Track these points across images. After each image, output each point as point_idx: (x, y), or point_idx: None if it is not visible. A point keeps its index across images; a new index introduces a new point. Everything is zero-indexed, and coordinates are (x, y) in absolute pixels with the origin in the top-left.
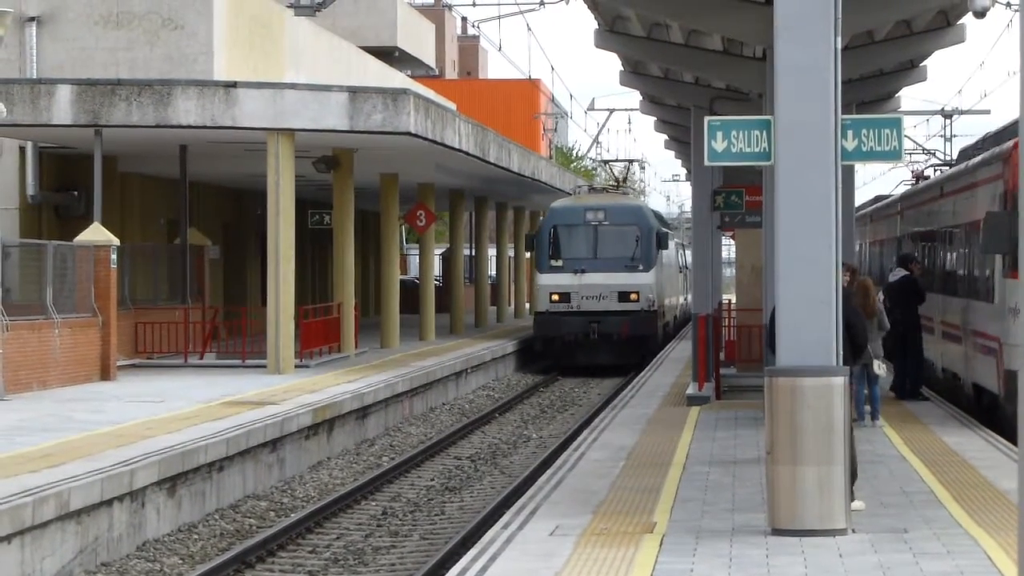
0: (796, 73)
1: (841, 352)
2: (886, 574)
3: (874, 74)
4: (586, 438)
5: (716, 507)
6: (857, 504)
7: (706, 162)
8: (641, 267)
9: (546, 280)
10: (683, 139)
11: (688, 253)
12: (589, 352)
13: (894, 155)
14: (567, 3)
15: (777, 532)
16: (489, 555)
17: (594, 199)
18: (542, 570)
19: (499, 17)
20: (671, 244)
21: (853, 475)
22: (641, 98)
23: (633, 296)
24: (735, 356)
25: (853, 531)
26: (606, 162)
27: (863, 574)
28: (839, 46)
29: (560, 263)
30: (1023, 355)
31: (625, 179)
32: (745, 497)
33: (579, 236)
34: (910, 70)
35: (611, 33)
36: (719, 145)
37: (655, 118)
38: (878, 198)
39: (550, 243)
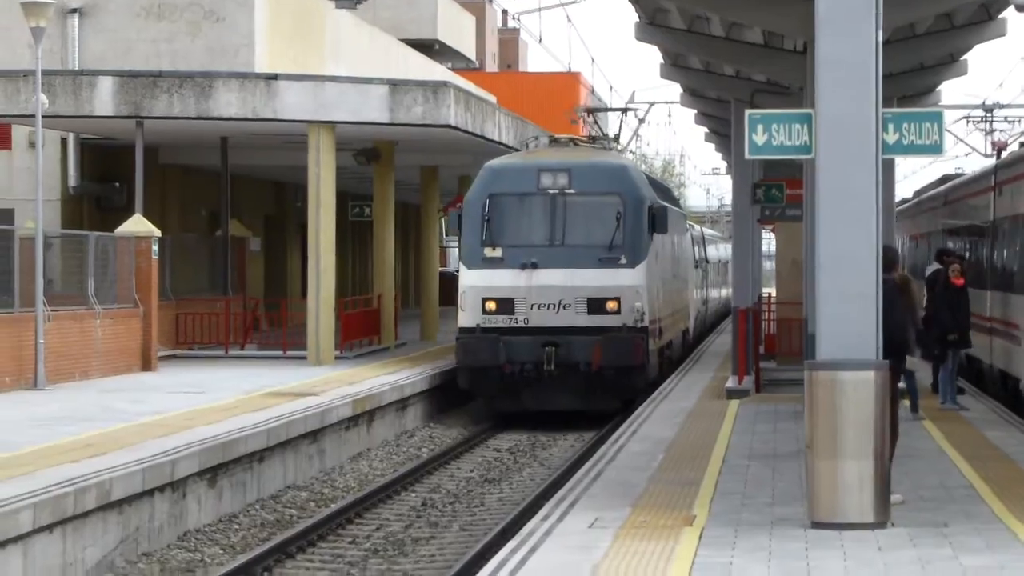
0: (837, 67)
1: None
2: (925, 568)
3: (915, 68)
4: (625, 431)
5: (756, 500)
6: (896, 498)
7: (747, 155)
8: (624, 260)
9: (476, 279)
10: (723, 132)
11: (706, 243)
12: (541, 393)
13: (935, 149)
14: None
15: (816, 525)
16: (528, 547)
17: (553, 155)
18: (582, 562)
19: (539, 9)
20: (676, 225)
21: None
22: (681, 91)
23: (610, 305)
24: (775, 349)
25: (892, 525)
26: (590, 111)
27: (902, 568)
28: (880, 40)
29: (499, 253)
30: None
31: (617, 138)
32: (784, 490)
33: (528, 211)
34: (951, 64)
35: (652, 26)
36: (760, 138)
37: (695, 111)
38: (945, 178)
39: (483, 222)
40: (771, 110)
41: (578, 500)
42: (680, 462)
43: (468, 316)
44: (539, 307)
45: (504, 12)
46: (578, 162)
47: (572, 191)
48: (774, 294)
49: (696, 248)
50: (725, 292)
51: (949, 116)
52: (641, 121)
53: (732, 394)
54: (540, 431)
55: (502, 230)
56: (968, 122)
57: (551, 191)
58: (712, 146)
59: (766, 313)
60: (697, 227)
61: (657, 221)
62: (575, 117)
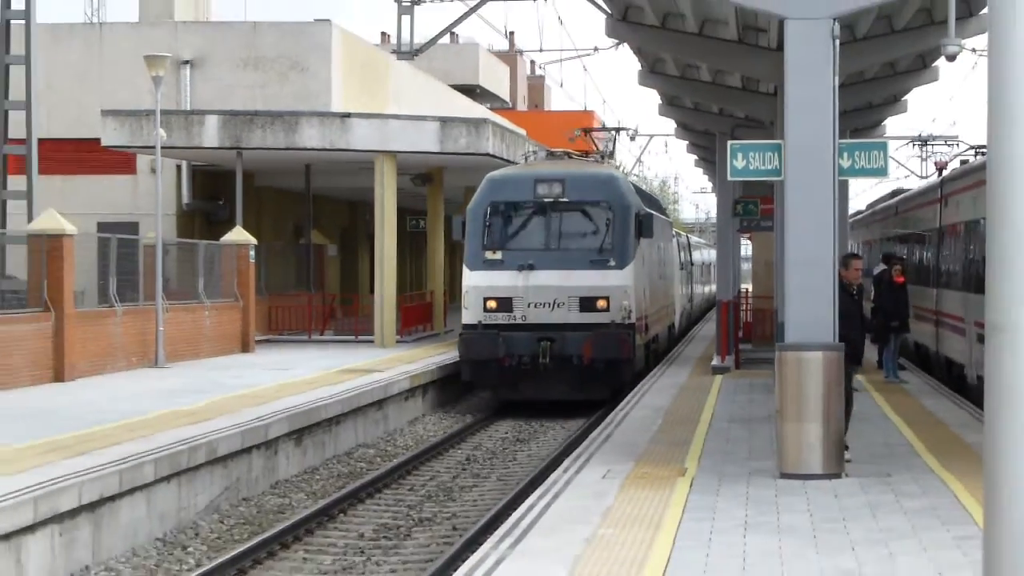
0: (801, 106)
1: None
2: (873, 510)
3: (864, 107)
4: (630, 400)
5: (735, 456)
6: (847, 455)
7: (728, 177)
8: (613, 262)
9: (478, 280)
10: (710, 159)
11: (692, 248)
12: (538, 383)
13: (881, 172)
14: (616, 49)
15: (784, 476)
16: (552, 494)
17: (548, 166)
18: (595, 507)
19: (560, 60)
20: (662, 231)
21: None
22: (676, 125)
23: (600, 303)
24: (751, 334)
25: (846, 475)
26: (586, 131)
27: (855, 510)
28: (836, 84)
29: (498, 256)
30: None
31: (611, 154)
32: (759, 448)
33: (525, 218)
34: (894, 103)
35: (652, 73)
36: (739, 163)
37: (687, 142)
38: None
39: (484, 228)
40: (748, 141)
41: (592, 456)
42: (674, 425)
43: (471, 314)
44: (535, 305)
45: (532, 62)
46: (571, 172)
47: (565, 199)
48: (751, 289)
49: (682, 252)
50: (709, 288)
51: (892, 145)
52: (640, 147)
53: (717, 370)
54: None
55: (502, 235)
56: (913, 146)
57: (546, 199)
58: (700, 170)
59: (744, 305)
60: (683, 234)
61: (643, 227)
62: (573, 136)
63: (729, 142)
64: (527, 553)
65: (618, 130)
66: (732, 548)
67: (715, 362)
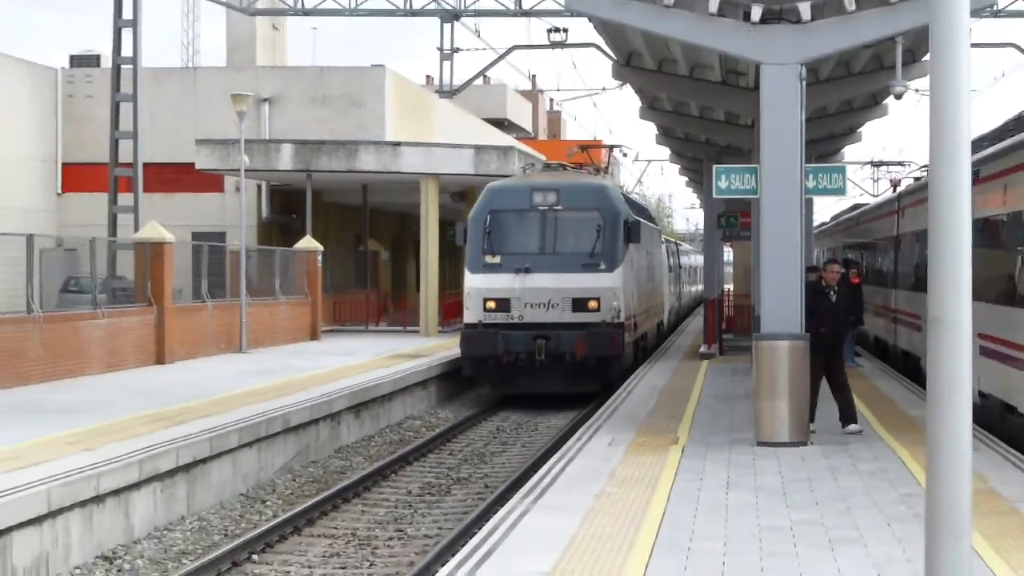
0: (774, 136)
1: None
2: (833, 472)
3: (826, 137)
4: (632, 380)
5: (719, 427)
6: (813, 426)
7: (714, 195)
8: (603, 266)
9: (479, 282)
10: (698, 180)
11: (680, 254)
12: (534, 377)
13: (840, 191)
14: (620, 88)
15: (760, 444)
16: (568, 458)
17: (544, 177)
18: (603, 467)
19: (575, 98)
20: (650, 237)
21: (813, 406)
22: (670, 152)
23: (592, 304)
24: (733, 326)
25: (811, 443)
26: (583, 147)
27: (818, 471)
28: (803, 118)
29: (497, 260)
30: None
31: (606, 168)
32: (739, 421)
33: (523, 225)
34: (850, 134)
35: (650, 109)
36: (723, 184)
37: (680, 166)
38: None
39: (484, 234)
40: (730, 165)
41: (601, 427)
42: (669, 402)
43: (472, 314)
44: (531, 306)
45: (551, 100)
46: (565, 183)
47: (559, 207)
48: (732, 289)
49: (670, 257)
50: (697, 288)
51: (849, 169)
52: (640, 170)
53: (704, 356)
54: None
55: (501, 240)
56: (864, 167)
57: (542, 207)
58: (690, 189)
59: (727, 302)
60: (672, 241)
61: (631, 233)
62: (572, 152)
63: (715, 166)
64: (546, 507)
65: (612, 147)
66: (717, 504)
67: (702, 349)
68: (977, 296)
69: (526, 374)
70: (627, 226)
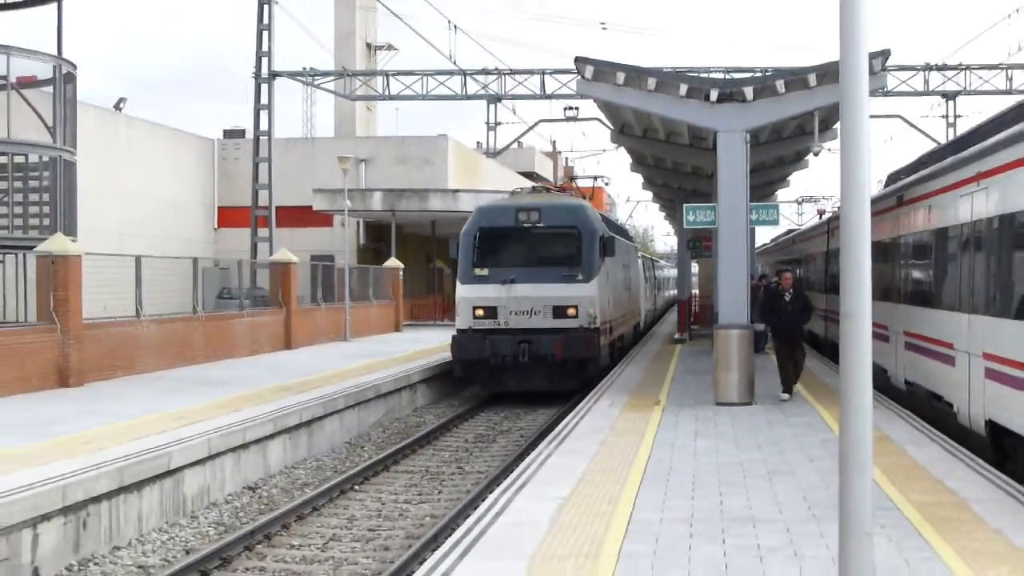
0: (727, 183)
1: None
2: (771, 425)
3: (765, 183)
4: (626, 361)
5: (688, 393)
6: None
7: (684, 226)
8: (580, 277)
9: (469, 292)
10: (673, 214)
11: (656, 267)
12: (519, 377)
13: (775, 222)
14: (616, 149)
15: (718, 404)
16: (580, 415)
17: (529, 199)
18: (605, 423)
19: (584, 157)
20: (627, 253)
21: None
22: (652, 194)
23: (570, 311)
24: (699, 319)
25: (755, 403)
26: (571, 178)
27: (760, 425)
28: (747, 170)
29: (485, 272)
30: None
31: (590, 196)
32: (703, 388)
33: (508, 240)
34: (782, 181)
35: (638, 163)
36: (691, 217)
37: (659, 204)
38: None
39: (474, 248)
40: (696, 204)
41: (603, 393)
42: (652, 375)
43: (462, 320)
44: (516, 313)
45: (566, 158)
46: (547, 203)
47: (541, 225)
48: (697, 293)
49: (647, 270)
50: (671, 293)
51: (782, 206)
52: (631, 209)
53: (677, 341)
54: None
55: (488, 254)
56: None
57: (526, 224)
58: (668, 221)
59: (694, 302)
60: (649, 257)
61: (607, 247)
62: (563, 181)
63: (685, 205)
64: (565, 451)
65: (596, 178)
66: (687, 448)
67: (676, 336)
68: (902, 300)
69: (511, 374)
70: (602, 241)
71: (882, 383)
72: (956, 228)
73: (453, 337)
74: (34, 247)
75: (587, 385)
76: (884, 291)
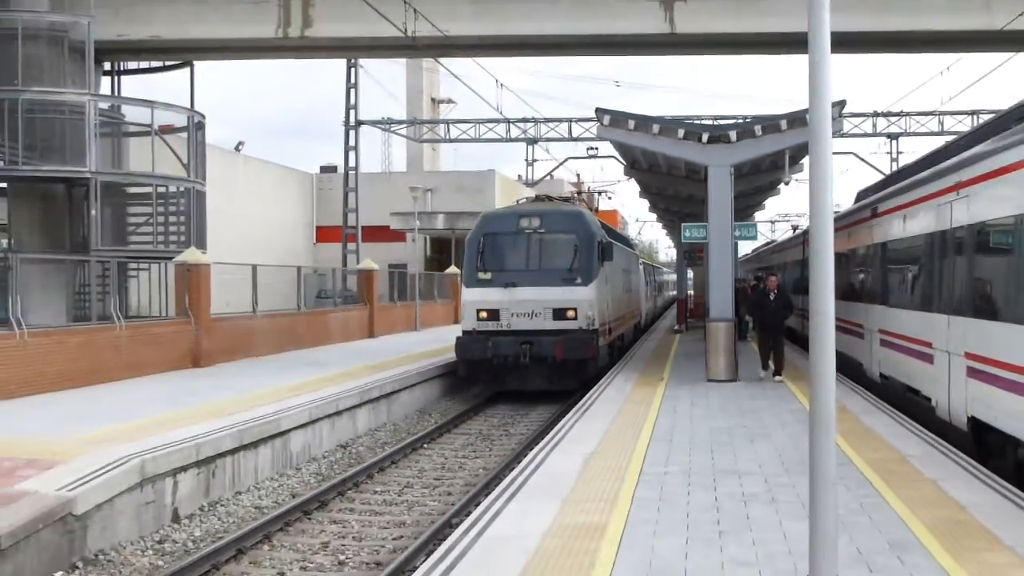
0: (716, 207)
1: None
2: (752, 398)
3: (745, 207)
4: (637, 345)
5: (686, 371)
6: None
7: (682, 240)
8: (579, 280)
9: (473, 295)
10: (674, 231)
11: (656, 272)
12: (520, 377)
13: (754, 237)
14: (628, 180)
15: (709, 381)
16: (601, 388)
17: (532, 206)
18: (620, 395)
19: (604, 186)
20: (628, 259)
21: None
22: (656, 215)
23: (570, 313)
24: (694, 314)
25: (737, 380)
26: (579, 192)
27: (742, 397)
28: (732, 196)
29: (488, 276)
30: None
31: (597, 209)
32: (697, 368)
33: (510, 246)
34: (759, 205)
35: (645, 192)
36: (688, 233)
37: (662, 223)
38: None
39: (478, 254)
40: (692, 223)
41: (620, 372)
42: (656, 358)
43: (467, 322)
44: (518, 315)
45: (588, 187)
46: (547, 210)
47: (542, 230)
48: (692, 293)
49: (647, 275)
50: (671, 294)
51: (760, 225)
52: (639, 229)
53: (676, 332)
54: None
55: (492, 259)
56: (771, 223)
57: (527, 230)
58: (669, 237)
59: (689, 301)
60: (651, 264)
61: (605, 252)
62: (576, 192)
63: (683, 224)
64: (590, 416)
65: (600, 192)
66: (685, 414)
67: (675, 328)
68: (877, 301)
69: (513, 374)
70: (601, 246)
71: (858, 375)
72: (937, 235)
73: (457, 338)
74: (173, 258)
75: (587, 384)
76: (858, 294)
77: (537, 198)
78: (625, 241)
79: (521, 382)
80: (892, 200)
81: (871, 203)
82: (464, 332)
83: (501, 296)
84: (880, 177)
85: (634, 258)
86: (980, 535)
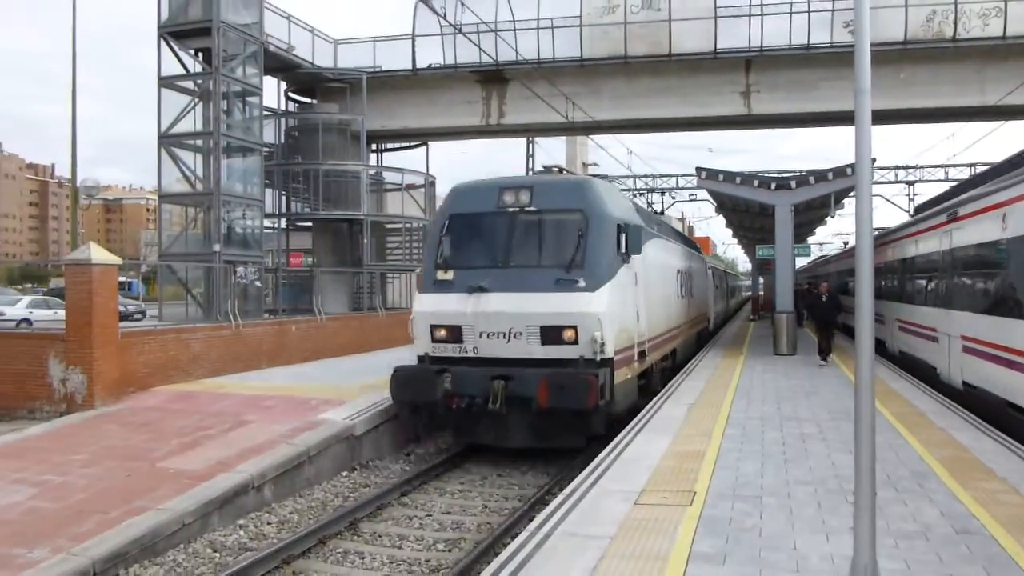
0: (781, 233)
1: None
2: (808, 367)
3: (802, 233)
4: (724, 329)
5: (759, 348)
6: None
7: (756, 257)
8: (582, 282)
9: (426, 305)
10: (749, 250)
11: (728, 277)
12: (495, 428)
13: (808, 255)
14: (717, 215)
15: (775, 355)
16: (699, 361)
17: (518, 177)
18: (713, 362)
19: (697, 220)
20: (678, 255)
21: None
22: (737, 239)
23: (567, 334)
24: (764, 308)
25: (796, 355)
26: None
27: (801, 366)
28: (792, 226)
29: (449, 276)
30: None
31: (662, 212)
32: (767, 345)
33: (485, 232)
34: (811, 232)
35: (729, 223)
36: (760, 252)
37: (743, 245)
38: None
39: (439, 244)
40: (764, 245)
41: (711, 350)
42: (736, 340)
43: (420, 344)
44: (488, 335)
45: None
46: (541, 179)
47: (531, 208)
48: (763, 294)
49: (716, 278)
50: (746, 294)
51: (813, 248)
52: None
53: (751, 320)
54: None
55: (456, 252)
56: (819, 245)
57: (511, 209)
58: (746, 254)
59: (760, 299)
60: (722, 269)
61: (631, 240)
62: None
63: (757, 246)
64: (691, 377)
65: (681, 219)
66: (759, 378)
67: (750, 317)
68: (894, 299)
69: (483, 424)
70: (622, 231)
71: (881, 351)
72: (942, 253)
73: (395, 370)
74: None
75: (596, 439)
76: (880, 294)
77: (545, 168)
78: (678, 235)
79: (496, 436)
80: (900, 232)
81: (885, 233)
82: (418, 358)
83: (463, 306)
84: (911, 208)
85: (696, 258)
86: (979, 469)
